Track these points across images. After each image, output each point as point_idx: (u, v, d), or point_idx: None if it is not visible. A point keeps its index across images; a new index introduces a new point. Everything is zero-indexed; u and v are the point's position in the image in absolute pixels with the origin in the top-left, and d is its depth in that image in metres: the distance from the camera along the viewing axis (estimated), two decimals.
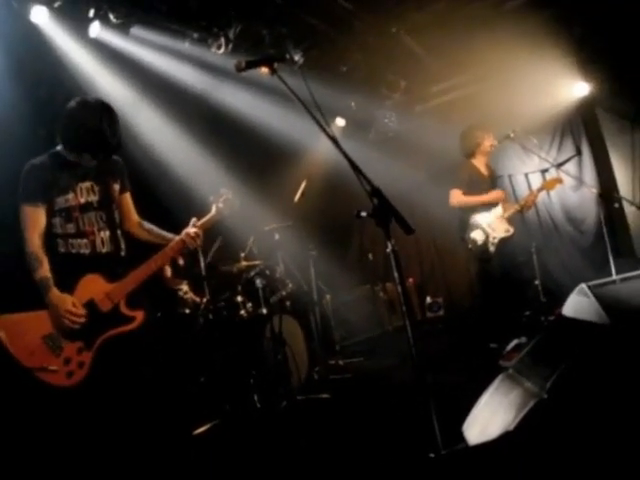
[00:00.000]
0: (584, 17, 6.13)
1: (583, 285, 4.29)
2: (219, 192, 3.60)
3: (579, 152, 7.31)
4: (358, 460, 3.24)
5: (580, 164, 7.33)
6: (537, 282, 6.67)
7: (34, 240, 2.91)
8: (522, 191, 7.21)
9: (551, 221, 7.49)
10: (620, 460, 2.12)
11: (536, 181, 7.32)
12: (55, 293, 2.84)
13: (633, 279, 4.36)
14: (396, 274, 2.03)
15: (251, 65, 2.73)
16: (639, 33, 6.20)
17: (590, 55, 6.70)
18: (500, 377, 2.81)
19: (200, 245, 3.36)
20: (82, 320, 2.86)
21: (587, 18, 6.16)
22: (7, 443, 3.17)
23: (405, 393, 4.26)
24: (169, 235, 3.33)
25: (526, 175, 7.56)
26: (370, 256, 7.49)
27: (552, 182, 5.60)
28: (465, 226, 5.23)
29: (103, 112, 3.01)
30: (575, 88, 6.95)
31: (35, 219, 2.93)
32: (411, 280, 7.79)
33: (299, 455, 3.51)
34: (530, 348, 2.89)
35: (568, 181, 6.90)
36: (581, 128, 7.35)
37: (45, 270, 2.87)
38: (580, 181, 6.63)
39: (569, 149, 7.40)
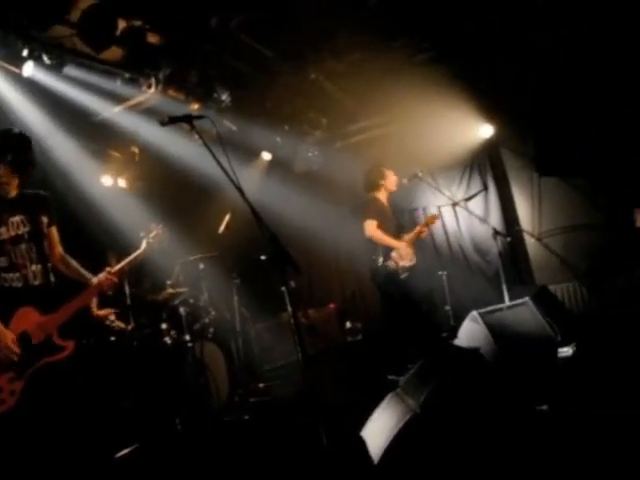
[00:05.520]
0: (487, 71, 6.80)
1: (474, 312, 4.85)
2: (149, 227, 3.87)
3: (485, 187, 8.01)
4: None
5: (486, 198, 8.02)
6: (448, 307, 7.27)
7: None
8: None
9: (461, 251, 8.11)
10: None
11: (447, 213, 8.07)
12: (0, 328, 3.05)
13: (517, 306, 4.94)
14: (290, 309, 2.40)
15: (173, 121, 3.08)
16: (535, 83, 6.96)
17: (493, 101, 7.41)
18: (389, 395, 3.22)
19: (113, 289, 3.60)
20: (16, 358, 3.06)
21: (489, 71, 6.83)
22: None
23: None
24: (86, 274, 3.54)
25: (439, 208, 8.23)
26: (292, 283, 7.85)
27: (432, 218, 6.13)
28: (376, 255, 5.64)
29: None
30: (482, 130, 7.65)
31: None
32: (332, 305, 8.21)
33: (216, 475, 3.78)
34: (416, 369, 3.32)
35: (476, 214, 7.56)
36: (487, 166, 8.04)
37: None
38: (480, 218, 7.28)
39: (477, 184, 8.09)
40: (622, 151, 6.71)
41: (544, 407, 3.71)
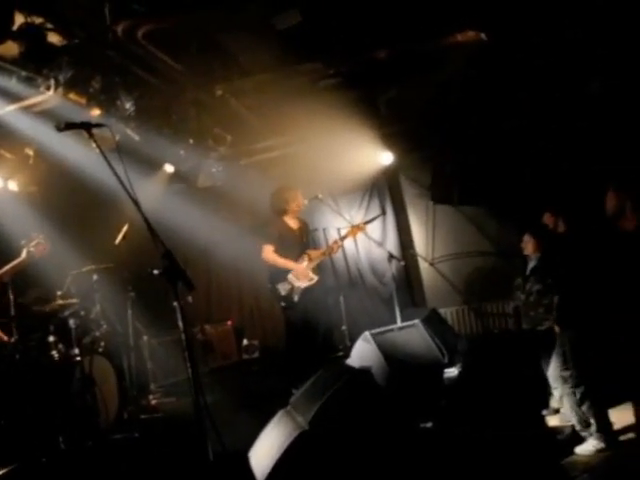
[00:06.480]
0: (390, 100, 7.10)
1: (367, 333, 5.00)
2: (30, 236, 3.75)
3: (384, 212, 8.31)
4: None
5: (384, 222, 8.32)
6: (344, 327, 7.41)
7: None
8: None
9: (358, 273, 8.32)
10: None
11: None
12: None
13: (407, 328, 5.15)
14: (181, 324, 2.40)
15: (70, 127, 3.00)
16: (435, 115, 7.34)
17: (395, 130, 7.73)
18: (280, 413, 3.26)
19: None
20: None
21: (393, 101, 7.14)
22: None
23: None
24: None
25: (338, 229, 8.41)
26: (189, 298, 7.74)
27: (355, 229, 6.28)
28: (272, 278, 5.69)
29: None
30: (382, 156, 7.94)
31: None
32: (230, 322, 8.16)
33: None
34: (306, 387, 3.38)
35: (374, 237, 7.81)
36: (386, 191, 8.38)
37: None
38: (377, 242, 7.54)
39: (376, 209, 8.37)
40: (511, 182, 7.19)
41: (429, 424, 3.89)
